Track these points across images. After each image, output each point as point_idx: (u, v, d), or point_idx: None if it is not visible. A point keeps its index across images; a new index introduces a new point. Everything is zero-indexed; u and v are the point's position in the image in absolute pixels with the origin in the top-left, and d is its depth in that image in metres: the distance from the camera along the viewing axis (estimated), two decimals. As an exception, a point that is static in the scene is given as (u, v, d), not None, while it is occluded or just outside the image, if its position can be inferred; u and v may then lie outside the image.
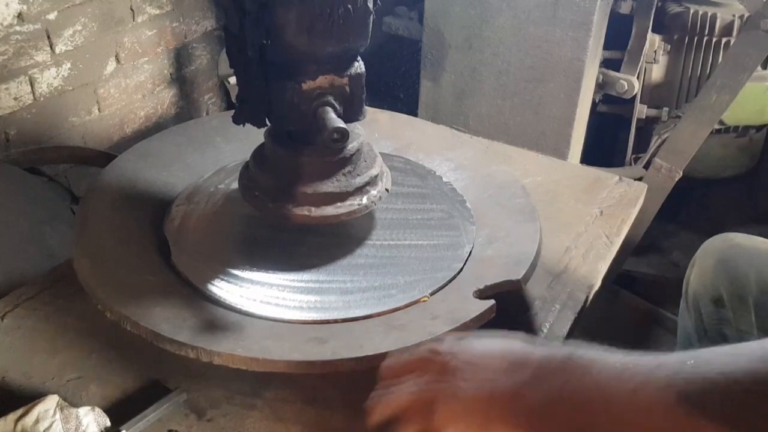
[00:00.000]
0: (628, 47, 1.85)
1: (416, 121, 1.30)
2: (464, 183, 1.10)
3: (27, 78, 1.62)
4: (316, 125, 0.85)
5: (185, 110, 2.08)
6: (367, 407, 0.65)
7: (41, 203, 1.37)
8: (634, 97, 1.88)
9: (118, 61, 1.83)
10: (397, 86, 2.29)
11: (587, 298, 0.94)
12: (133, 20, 1.82)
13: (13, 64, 1.58)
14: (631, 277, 1.99)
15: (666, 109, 1.94)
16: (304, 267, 0.92)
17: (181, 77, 2.03)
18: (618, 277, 1.88)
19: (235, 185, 1.02)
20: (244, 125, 0.91)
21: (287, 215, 0.90)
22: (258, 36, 0.82)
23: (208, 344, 0.76)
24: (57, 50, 1.66)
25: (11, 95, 1.60)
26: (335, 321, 0.84)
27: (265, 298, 0.87)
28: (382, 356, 0.74)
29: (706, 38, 1.89)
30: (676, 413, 0.52)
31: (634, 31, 1.84)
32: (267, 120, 0.90)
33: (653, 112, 1.95)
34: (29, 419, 0.71)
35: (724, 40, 1.88)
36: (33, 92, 1.65)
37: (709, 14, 1.86)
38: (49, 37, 1.64)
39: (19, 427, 0.71)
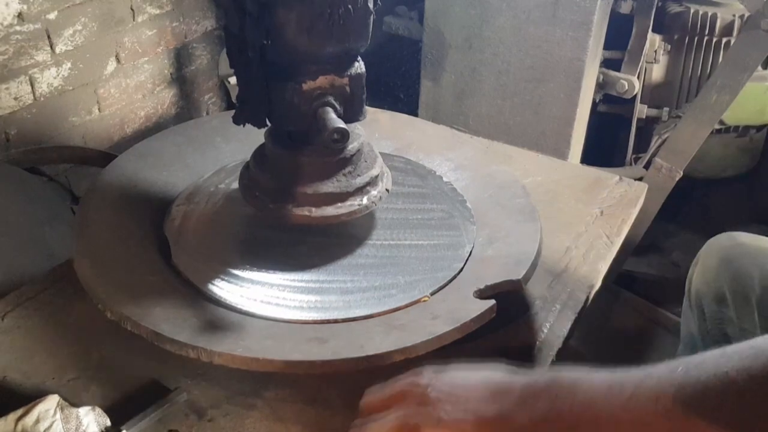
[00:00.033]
0: (629, 47, 1.85)
1: (416, 121, 1.30)
2: (464, 183, 1.09)
3: (27, 78, 1.62)
4: (316, 125, 0.85)
5: (185, 110, 2.08)
6: None
7: (41, 203, 1.37)
8: (635, 97, 1.88)
9: (118, 60, 1.83)
10: (398, 86, 2.29)
11: (588, 298, 0.94)
12: (134, 20, 1.82)
13: (13, 63, 1.58)
14: (631, 277, 1.99)
15: (666, 109, 1.94)
16: (305, 267, 0.92)
17: (181, 77, 2.03)
18: (618, 277, 1.88)
19: (235, 185, 1.02)
20: (244, 125, 0.91)
21: (287, 215, 0.90)
22: (258, 36, 0.82)
23: (209, 344, 0.75)
24: (57, 50, 1.66)
25: (11, 95, 1.60)
26: (335, 321, 0.84)
27: (266, 298, 0.86)
28: (383, 356, 0.74)
29: (706, 38, 1.89)
30: (674, 417, 0.52)
31: (634, 31, 1.84)
32: (267, 120, 0.90)
33: (653, 112, 1.95)
34: (30, 419, 0.71)
35: (724, 40, 1.88)
36: (33, 92, 1.65)
37: (710, 14, 1.87)
38: (49, 37, 1.64)
39: (19, 426, 0.71)
